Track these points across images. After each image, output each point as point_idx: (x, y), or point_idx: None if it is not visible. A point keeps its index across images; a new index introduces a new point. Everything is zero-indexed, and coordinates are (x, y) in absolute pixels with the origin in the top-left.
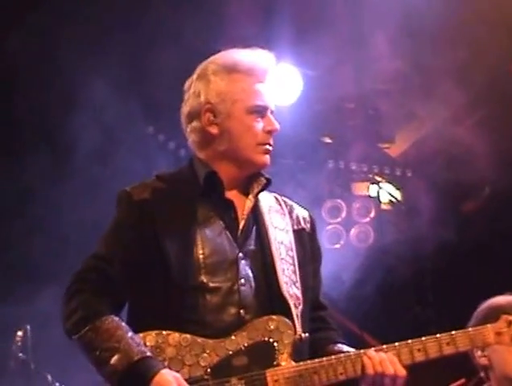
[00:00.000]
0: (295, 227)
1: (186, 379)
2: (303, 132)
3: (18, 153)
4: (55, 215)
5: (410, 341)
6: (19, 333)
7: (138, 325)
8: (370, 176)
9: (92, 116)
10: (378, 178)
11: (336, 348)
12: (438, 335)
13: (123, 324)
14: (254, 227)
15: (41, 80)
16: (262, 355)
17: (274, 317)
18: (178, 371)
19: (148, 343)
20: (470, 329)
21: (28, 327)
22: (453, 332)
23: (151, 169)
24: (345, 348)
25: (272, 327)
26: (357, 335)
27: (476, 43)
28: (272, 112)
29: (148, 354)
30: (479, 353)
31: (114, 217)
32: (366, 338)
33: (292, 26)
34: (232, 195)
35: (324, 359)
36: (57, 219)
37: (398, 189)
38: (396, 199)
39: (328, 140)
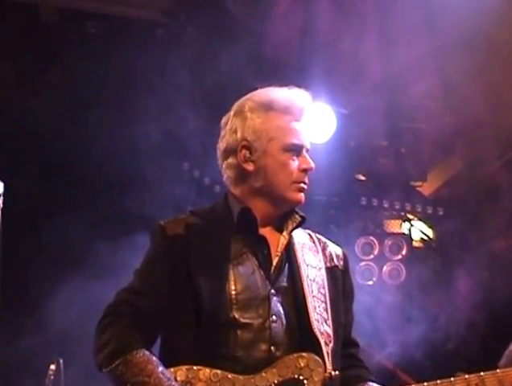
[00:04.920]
0: (328, 264)
1: None
2: (337, 169)
3: None
4: None
5: (439, 381)
6: (52, 366)
7: (170, 359)
8: (402, 214)
9: (126, 150)
10: (410, 216)
11: None
12: (467, 376)
13: (154, 358)
14: (287, 264)
15: None
16: None
17: (304, 354)
18: None
19: (178, 378)
20: (498, 370)
21: (61, 361)
22: (482, 373)
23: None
24: None
25: (302, 365)
26: (391, 372)
27: (510, 84)
28: (308, 150)
29: None
30: None
31: (148, 251)
32: (399, 374)
33: (326, 65)
34: (265, 231)
35: None
36: None
37: (429, 227)
38: (428, 236)
39: (361, 177)
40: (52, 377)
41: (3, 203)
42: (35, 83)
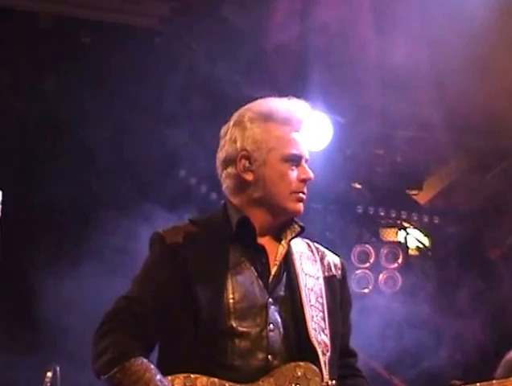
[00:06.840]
0: (326, 273)
1: None
2: (333, 177)
3: None
4: None
5: None
6: (49, 374)
7: (168, 367)
8: (398, 222)
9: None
10: (406, 225)
11: None
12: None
13: (152, 366)
14: (285, 274)
15: None
16: None
17: (301, 363)
18: None
19: None
20: (494, 381)
21: (58, 368)
22: (478, 384)
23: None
24: None
25: (299, 374)
26: (386, 379)
27: (504, 91)
28: (307, 160)
29: None
30: None
31: (147, 259)
32: (395, 381)
33: (323, 73)
34: (264, 240)
35: None
36: None
37: (425, 235)
38: (424, 245)
39: (357, 185)
40: (49, 384)
41: (2, 211)
42: (33, 88)
